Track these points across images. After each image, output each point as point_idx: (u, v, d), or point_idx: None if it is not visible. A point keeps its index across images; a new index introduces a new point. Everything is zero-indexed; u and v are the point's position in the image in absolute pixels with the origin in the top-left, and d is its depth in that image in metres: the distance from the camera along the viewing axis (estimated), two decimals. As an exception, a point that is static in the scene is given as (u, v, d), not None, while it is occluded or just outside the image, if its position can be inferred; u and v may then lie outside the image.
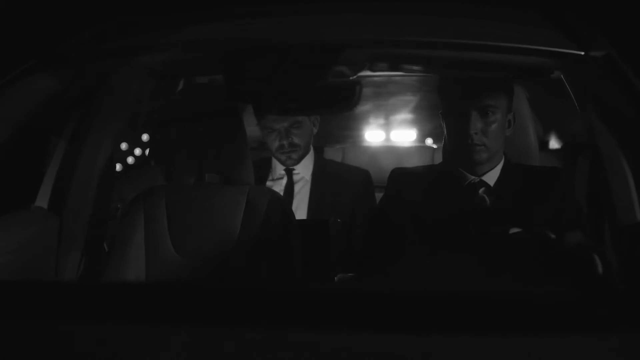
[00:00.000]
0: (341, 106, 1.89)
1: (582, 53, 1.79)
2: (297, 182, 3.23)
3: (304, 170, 3.23)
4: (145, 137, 4.70)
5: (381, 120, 5.33)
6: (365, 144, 5.04)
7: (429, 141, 5.06)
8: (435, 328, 1.17)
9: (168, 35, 2.10)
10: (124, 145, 4.41)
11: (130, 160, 4.60)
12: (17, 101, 1.93)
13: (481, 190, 2.22)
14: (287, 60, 2.11)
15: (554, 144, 3.85)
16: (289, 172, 3.22)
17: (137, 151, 4.78)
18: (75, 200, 2.42)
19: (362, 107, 4.92)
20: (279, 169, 3.23)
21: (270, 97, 2.97)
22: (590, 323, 1.19)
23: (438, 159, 4.16)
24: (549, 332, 1.17)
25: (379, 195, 3.17)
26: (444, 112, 2.24)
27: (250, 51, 2.08)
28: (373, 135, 5.26)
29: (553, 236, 1.64)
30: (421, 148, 4.68)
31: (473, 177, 2.23)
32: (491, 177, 2.23)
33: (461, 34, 1.87)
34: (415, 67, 2.41)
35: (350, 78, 1.92)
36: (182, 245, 2.40)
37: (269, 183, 3.23)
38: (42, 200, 2.39)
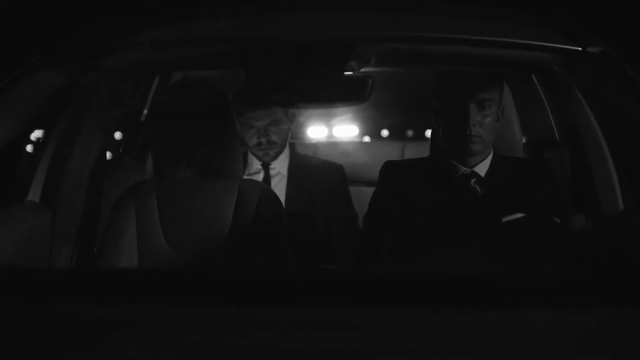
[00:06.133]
0: (354, 99, 1.94)
1: (580, 49, 1.88)
2: (273, 176, 3.27)
3: (280, 164, 3.26)
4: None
5: (324, 116, 5.33)
6: (336, 140, 5.09)
7: (367, 138, 5.08)
8: (433, 308, 1.24)
9: (169, 32, 2.12)
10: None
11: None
12: (22, 98, 1.94)
13: (473, 181, 2.30)
14: (275, 58, 2.16)
15: (536, 137, 3.96)
16: (266, 167, 3.25)
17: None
18: (67, 194, 2.42)
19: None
20: (255, 163, 3.26)
21: (252, 93, 3.02)
22: (582, 301, 1.28)
23: (408, 153, 4.25)
24: (541, 309, 1.24)
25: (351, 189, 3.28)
26: (440, 107, 2.31)
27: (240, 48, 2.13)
28: (315, 131, 5.25)
29: (558, 220, 1.73)
30: (390, 143, 4.76)
31: (465, 168, 2.32)
32: (482, 168, 2.32)
33: (461, 31, 1.94)
34: (416, 63, 2.48)
35: (355, 73, 1.98)
36: (174, 238, 2.42)
37: (245, 177, 3.25)
38: (34, 195, 2.39)
